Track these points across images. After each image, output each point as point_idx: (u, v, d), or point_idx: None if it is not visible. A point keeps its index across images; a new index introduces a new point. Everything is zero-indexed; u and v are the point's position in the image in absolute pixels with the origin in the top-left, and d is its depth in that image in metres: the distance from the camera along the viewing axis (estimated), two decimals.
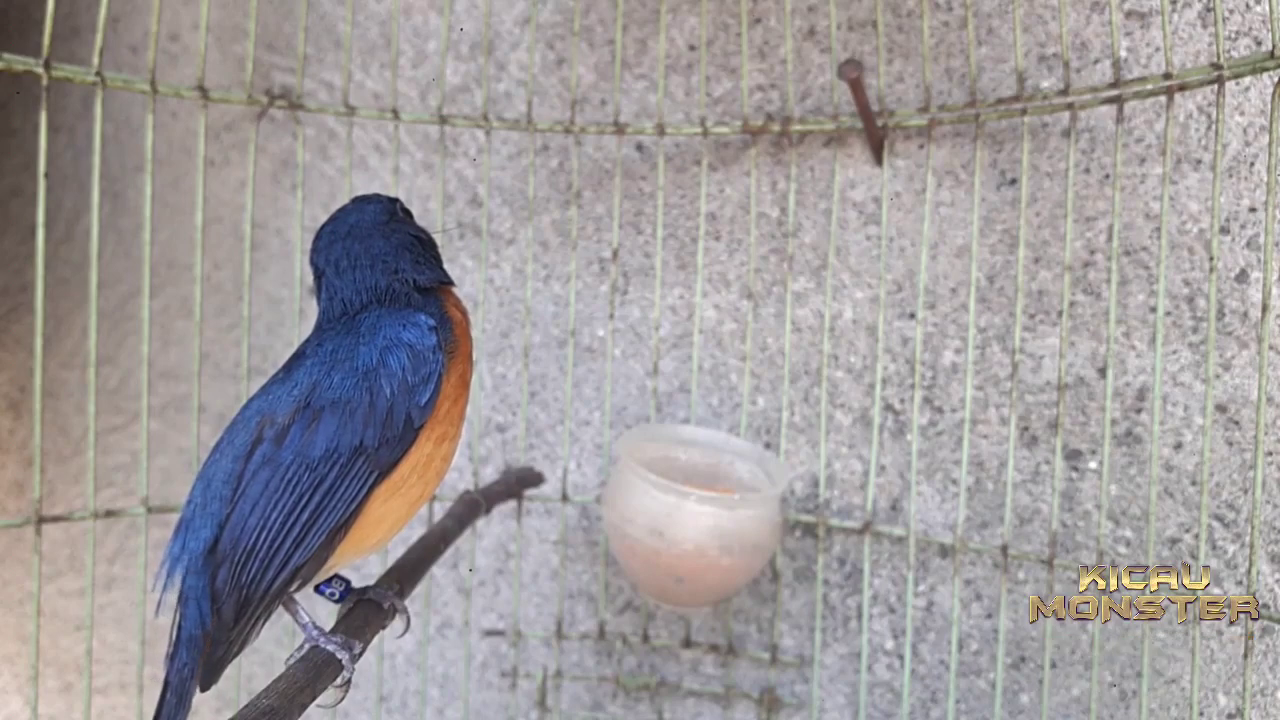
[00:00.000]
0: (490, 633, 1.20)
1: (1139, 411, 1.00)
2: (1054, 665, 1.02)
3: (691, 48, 1.14)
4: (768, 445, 1.12)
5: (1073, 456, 1.02)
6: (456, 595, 1.24)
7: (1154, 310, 0.98)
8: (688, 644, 1.14)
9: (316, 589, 0.70)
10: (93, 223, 0.98)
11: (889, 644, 1.09)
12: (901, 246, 1.08)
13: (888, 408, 1.09)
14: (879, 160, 1.08)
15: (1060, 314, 0.99)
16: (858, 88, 1.00)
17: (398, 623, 0.75)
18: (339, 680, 0.61)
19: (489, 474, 1.17)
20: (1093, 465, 1.01)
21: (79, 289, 1.34)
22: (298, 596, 0.66)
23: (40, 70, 0.90)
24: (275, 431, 0.66)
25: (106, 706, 1.39)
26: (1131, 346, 1.00)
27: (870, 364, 1.09)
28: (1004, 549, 0.98)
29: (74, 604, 1.40)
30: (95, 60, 0.94)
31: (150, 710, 0.65)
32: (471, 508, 0.93)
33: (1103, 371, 1.00)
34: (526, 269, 1.17)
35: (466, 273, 1.22)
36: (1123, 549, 1.00)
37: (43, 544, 0.94)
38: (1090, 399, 1.01)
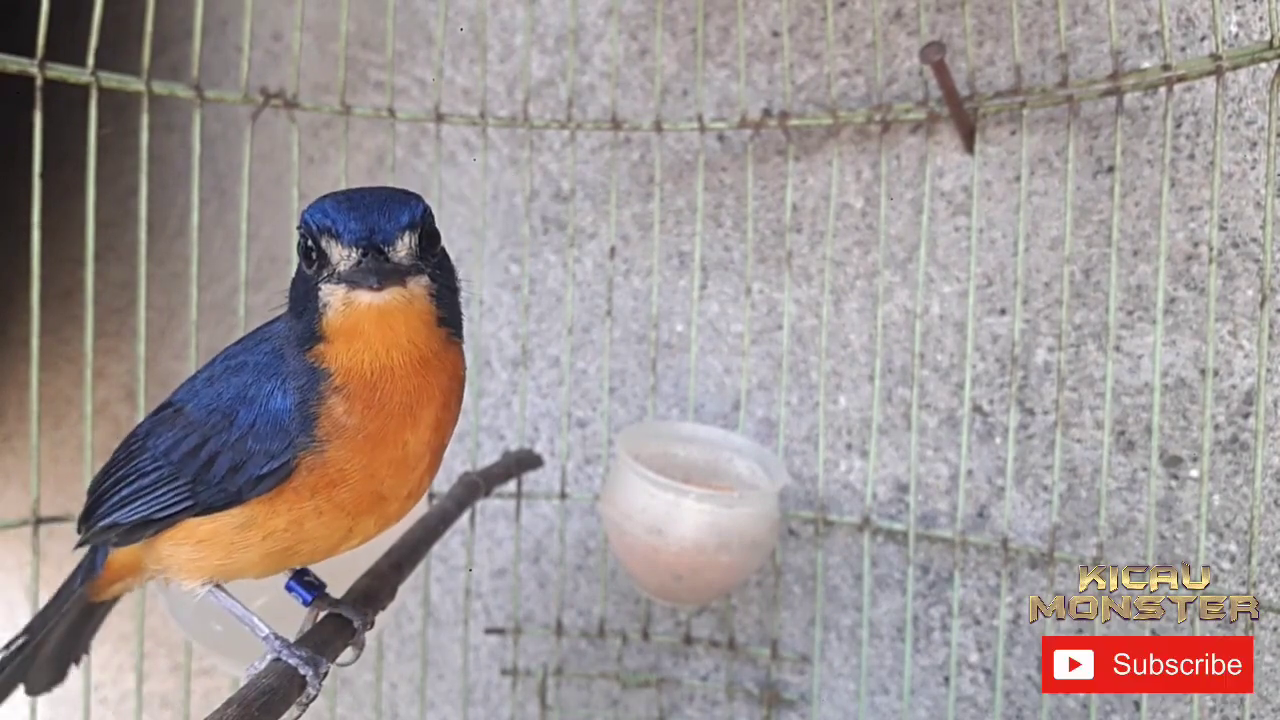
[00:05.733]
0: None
1: (1246, 416, 0.92)
2: None
3: (775, 34, 1.11)
4: (849, 447, 1.08)
5: (1172, 464, 0.95)
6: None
7: (1262, 306, 0.89)
8: (688, 640, 1.12)
9: (286, 586, 0.68)
10: (192, 224, 1.02)
11: (973, 657, 1.04)
12: (992, 238, 1.03)
13: (976, 409, 1.03)
14: (969, 147, 1.02)
15: (1161, 310, 0.92)
16: (942, 71, 0.95)
17: (347, 653, 0.68)
18: (303, 698, 0.59)
19: (573, 469, 1.17)
20: (1194, 473, 0.94)
21: (190, 284, 1.40)
22: (256, 607, 0.62)
23: (142, 88, 0.98)
24: (159, 406, 0.66)
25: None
26: (1239, 346, 0.92)
27: (958, 362, 1.04)
28: (1098, 561, 0.92)
29: None
30: (194, 73, 1.00)
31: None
32: (471, 489, 0.92)
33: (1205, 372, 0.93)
34: (607, 263, 1.16)
35: (549, 268, 1.22)
36: (1226, 564, 0.92)
37: (42, 544, 0.96)
38: (1192, 402, 0.94)
